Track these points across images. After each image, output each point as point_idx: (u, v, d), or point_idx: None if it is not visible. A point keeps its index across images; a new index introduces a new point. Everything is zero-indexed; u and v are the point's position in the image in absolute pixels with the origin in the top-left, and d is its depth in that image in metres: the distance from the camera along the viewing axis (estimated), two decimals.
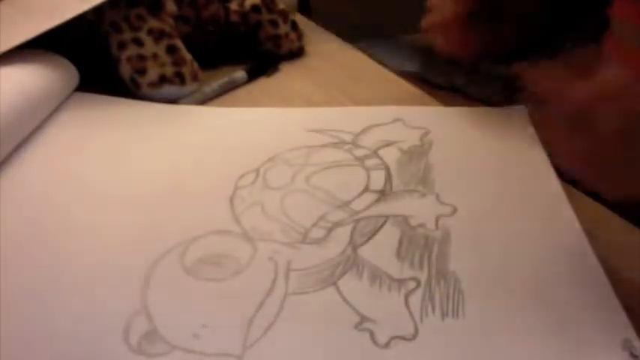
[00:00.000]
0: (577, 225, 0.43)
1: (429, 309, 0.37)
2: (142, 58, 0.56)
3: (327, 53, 0.68)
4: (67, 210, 0.44)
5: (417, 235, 0.42)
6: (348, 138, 0.52)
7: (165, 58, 0.57)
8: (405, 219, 0.44)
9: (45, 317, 0.36)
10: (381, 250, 0.41)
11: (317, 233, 0.42)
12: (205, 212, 0.44)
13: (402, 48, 0.71)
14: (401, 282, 0.39)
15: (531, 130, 0.53)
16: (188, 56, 0.59)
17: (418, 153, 0.51)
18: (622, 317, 0.36)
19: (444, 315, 0.37)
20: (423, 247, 0.41)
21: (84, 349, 0.34)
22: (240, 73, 0.62)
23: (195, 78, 0.58)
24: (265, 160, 0.49)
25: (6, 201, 0.45)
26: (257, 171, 0.48)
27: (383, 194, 0.46)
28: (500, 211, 0.45)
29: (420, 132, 0.53)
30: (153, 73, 0.57)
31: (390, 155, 0.50)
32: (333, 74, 0.64)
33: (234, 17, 0.65)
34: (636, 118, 0.34)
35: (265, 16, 0.65)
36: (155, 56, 0.57)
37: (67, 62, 0.57)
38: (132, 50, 0.56)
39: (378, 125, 0.53)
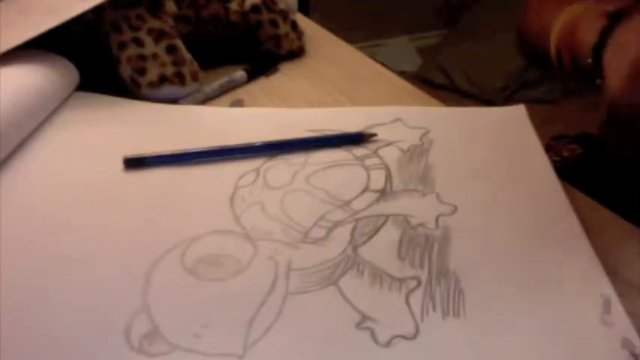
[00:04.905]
0: (577, 225, 0.43)
1: (430, 308, 0.37)
2: (142, 58, 0.56)
3: (327, 53, 0.68)
4: (68, 210, 0.44)
5: (418, 235, 0.42)
6: None
7: (166, 58, 0.57)
8: (405, 218, 0.44)
9: (46, 317, 0.36)
10: (381, 250, 0.41)
11: (317, 233, 0.43)
12: (206, 212, 0.44)
13: (402, 48, 0.71)
14: (401, 281, 0.39)
15: (531, 129, 0.53)
16: (188, 56, 0.59)
17: (418, 152, 0.51)
18: (622, 317, 0.36)
19: (444, 314, 0.37)
20: (423, 247, 0.41)
21: (85, 348, 0.35)
22: (240, 73, 0.62)
23: (195, 78, 0.58)
24: (265, 160, 0.49)
25: (6, 201, 0.45)
26: (257, 171, 0.48)
27: (383, 194, 0.46)
28: (500, 210, 0.45)
29: (420, 132, 0.53)
30: (153, 73, 0.57)
31: (390, 155, 0.50)
32: (333, 74, 0.64)
33: (234, 17, 0.65)
34: None
35: (265, 15, 0.65)
36: (155, 56, 0.57)
37: (67, 62, 0.57)
38: (132, 50, 0.56)
39: (378, 125, 0.53)
